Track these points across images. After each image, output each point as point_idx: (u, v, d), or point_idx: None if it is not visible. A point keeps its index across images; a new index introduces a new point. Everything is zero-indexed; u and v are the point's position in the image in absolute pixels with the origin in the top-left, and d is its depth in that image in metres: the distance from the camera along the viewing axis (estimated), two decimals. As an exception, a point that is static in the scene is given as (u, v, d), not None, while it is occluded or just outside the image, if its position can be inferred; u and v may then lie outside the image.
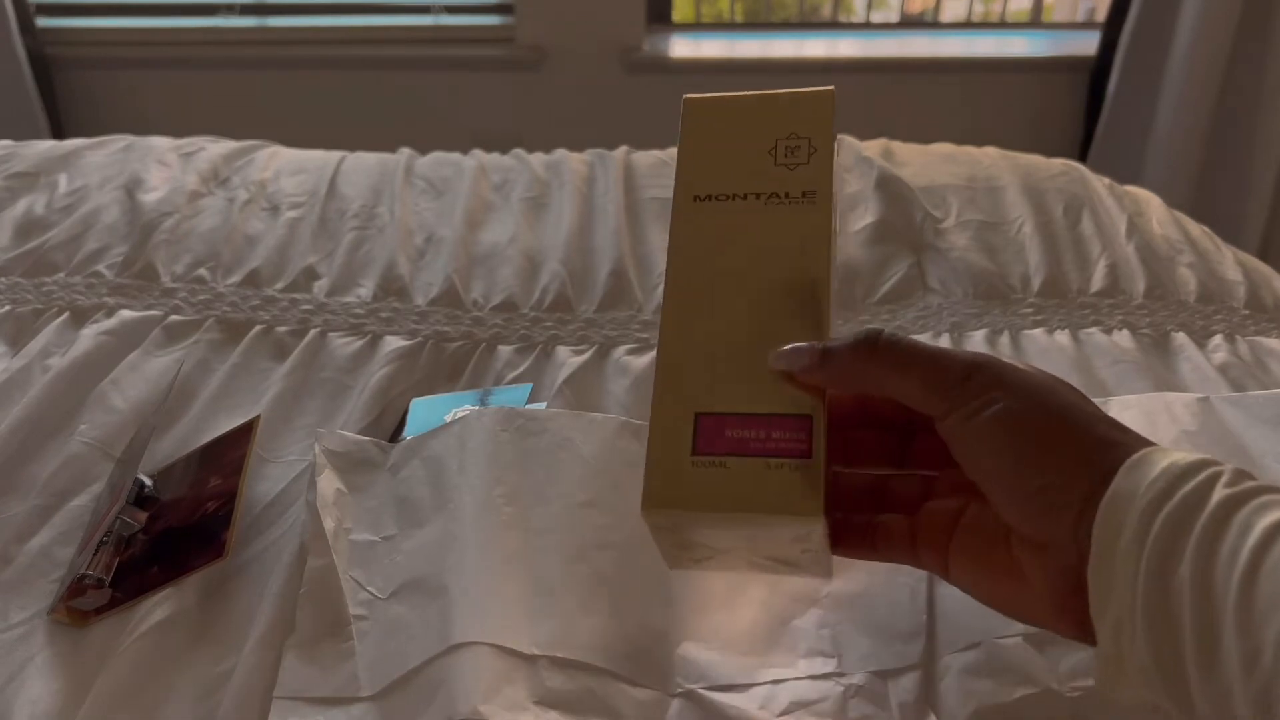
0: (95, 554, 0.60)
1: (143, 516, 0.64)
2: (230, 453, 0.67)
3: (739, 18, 2.27)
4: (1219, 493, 0.33)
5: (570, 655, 0.52)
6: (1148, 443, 0.37)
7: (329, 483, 0.62)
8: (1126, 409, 0.67)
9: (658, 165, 1.04)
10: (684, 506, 0.40)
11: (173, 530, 0.63)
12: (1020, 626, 0.51)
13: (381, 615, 0.55)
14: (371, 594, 0.56)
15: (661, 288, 0.87)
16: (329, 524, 0.59)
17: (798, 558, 0.43)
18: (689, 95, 0.48)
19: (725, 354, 0.43)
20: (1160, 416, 0.66)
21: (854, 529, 0.43)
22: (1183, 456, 0.35)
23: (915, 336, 0.82)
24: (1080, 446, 0.36)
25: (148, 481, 0.66)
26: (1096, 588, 0.35)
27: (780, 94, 0.48)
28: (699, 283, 0.44)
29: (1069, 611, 0.37)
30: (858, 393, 0.42)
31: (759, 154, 0.46)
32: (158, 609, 0.57)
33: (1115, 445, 0.36)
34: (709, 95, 0.48)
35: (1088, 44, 2.03)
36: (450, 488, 0.60)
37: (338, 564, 0.57)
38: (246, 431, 0.68)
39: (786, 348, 0.42)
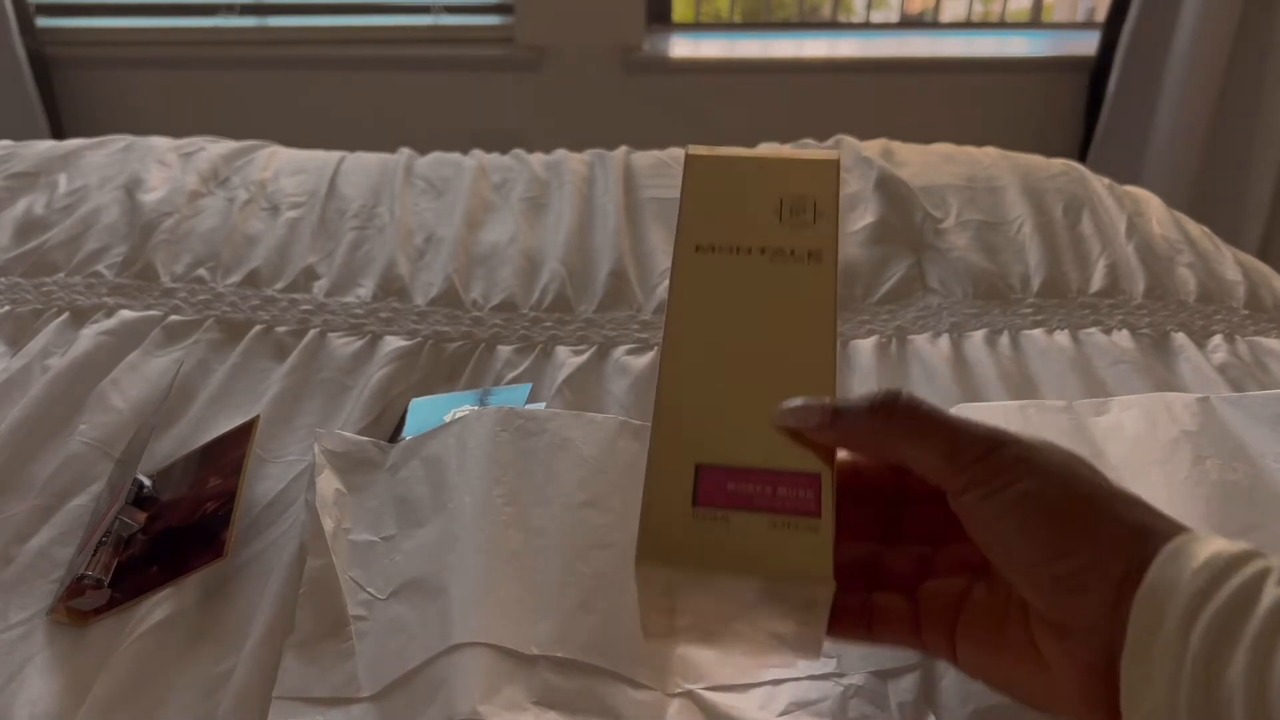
0: (94, 554, 0.60)
1: (142, 517, 0.64)
2: (230, 453, 0.67)
3: (738, 18, 2.27)
4: (1270, 592, 0.32)
5: (570, 655, 0.52)
6: (1181, 527, 0.36)
7: (328, 483, 0.62)
8: (1127, 409, 0.67)
9: (657, 165, 1.04)
10: (685, 564, 0.37)
11: (172, 530, 0.63)
12: None
13: (381, 615, 0.55)
14: (371, 594, 0.56)
15: (662, 286, 0.87)
16: (328, 524, 0.59)
17: (790, 631, 0.41)
18: (693, 149, 0.46)
19: (728, 404, 0.41)
20: (1161, 416, 0.66)
21: (847, 609, 0.40)
22: (1225, 547, 0.34)
23: (913, 337, 0.82)
24: (1111, 530, 0.35)
25: (147, 482, 0.66)
26: (1130, 680, 0.33)
27: (785, 158, 0.46)
28: (701, 333, 0.42)
29: (1096, 700, 0.35)
30: (867, 456, 0.40)
31: (764, 211, 0.45)
32: (157, 609, 0.57)
33: (1148, 530, 0.35)
34: (714, 152, 0.46)
35: (1087, 44, 2.03)
36: (450, 488, 0.60)
37: (337, 564, 0.57)
38: (246, 431, 0.68)
39: (795, 403, 0.39)
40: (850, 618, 0.40)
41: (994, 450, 0.36)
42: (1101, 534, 0.35)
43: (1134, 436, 0.65)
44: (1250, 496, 0.60)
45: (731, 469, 0.39)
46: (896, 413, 0.38)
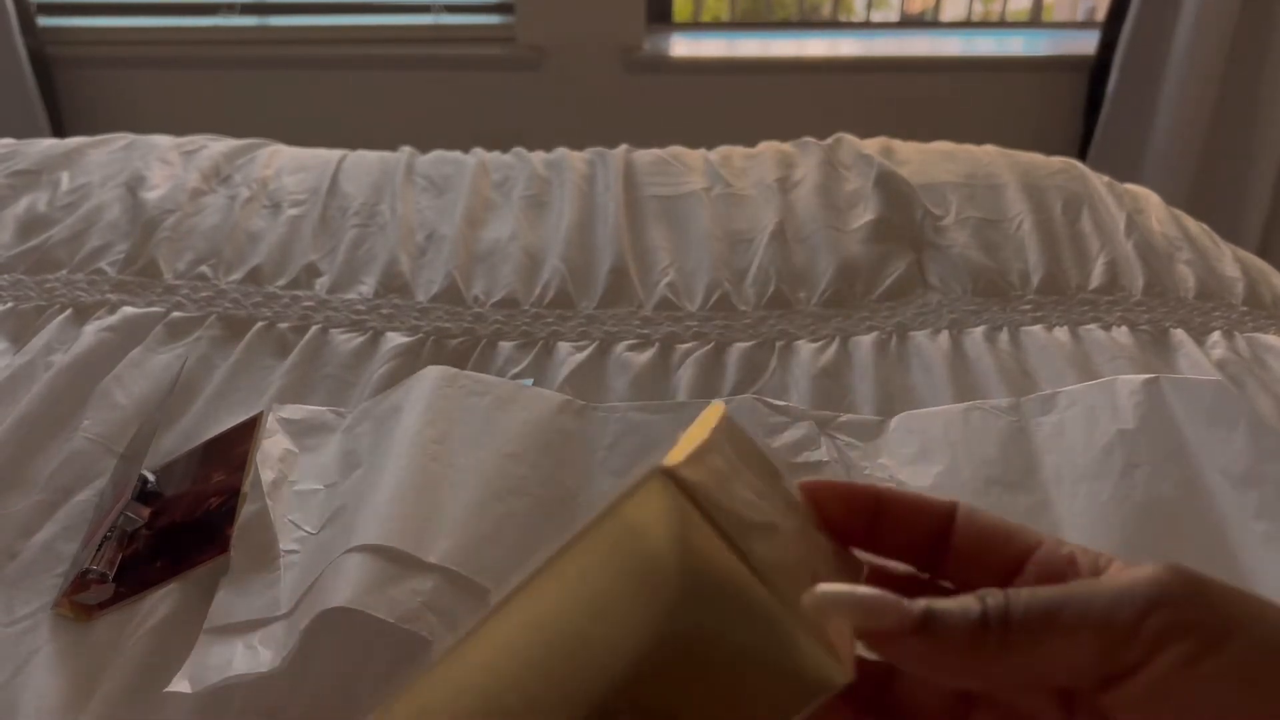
0: (99, 549, 0.60)
1: (146, 512, 0.64)
2: (234, 448, 0.67)
3: (739, 17, 2.27)
4: None
5: (468, 574, 0.53)
6: None
7: (277, 444, 0.65)
8: (1072, 405, 0.68)
9: (658, 163, 1.05)
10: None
11: (176, 526, 0.63)
12: None
13: (311, 545, 0.58)
14: (306, 532, 0.59)
15: (662, 285, 0.87)
16: (269, 476, 0.61)
17: None
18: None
19: None
20: (1103, 413, 0.66)
21: None
22: None
23: (914, 334, 0.82)
24: None
25: (151, 477, 0.66)
26: None
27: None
28: None
29: None
30: (957, 686, 0.29)
31: None
32: (162, 604, 0.57)
33: None
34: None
35: (1087, 43, 2.03)
36: (387, 433, 0.64)
37: (275, 509, 0.60)
38: (250, 427, 0.68)
39: (855, 591, 0.27)
40: None
41: (1153, 611, 0.26)
42: None
43: (1070, 444, 0.65)
44: (1171, 516, 0.60)
45: None
46: (1012, 620, 0.27)
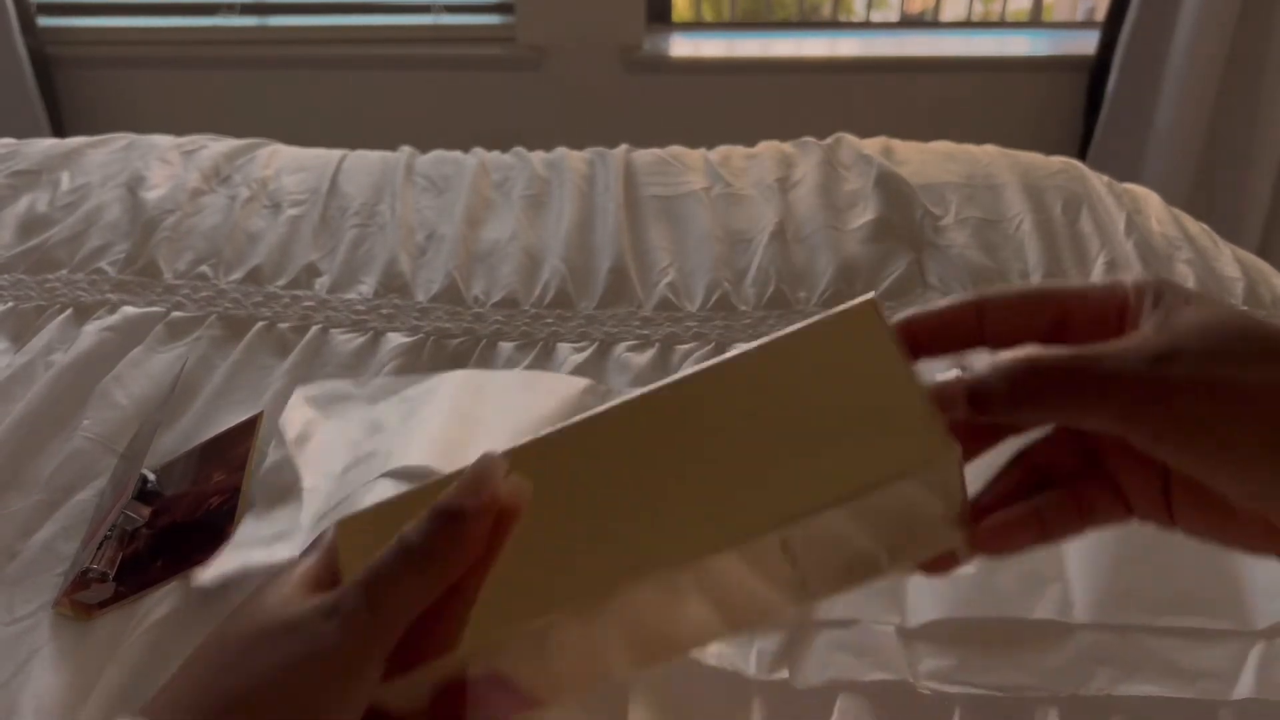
0: (99, 548, 0.60)
1: (146, 511, 0.64)
2: (234, 448, 0.67)
3: (739, 17, 2.27)
4: None
5: None
6: None
7: (301, 412, 0.68)
8: None
9: (658, 163, 1.05)
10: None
11: (176, 525, 0.63)
12: (896, 616, 0.55)
13: (333, 483, 0.61)
14: (330, 471, 0.63)
15: (662, 285, 0.87)
16: (292, 433, 0.65)
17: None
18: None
19: None
20: None
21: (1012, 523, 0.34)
22: None
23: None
24: None
25: (151, 477, 0.66)
26: None
27: None
28: None
29: None
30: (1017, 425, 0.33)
31: None
32: (162, 604, 0.57)
33: None
34: None
35: (1087, 43, 2.03)
36: (420, 405, 0.68)
37: (297, 453, 0.64)
38: (250, 427, 0.68)
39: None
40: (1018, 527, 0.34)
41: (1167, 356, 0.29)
42: None
43: None
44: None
45: None
46: (1038, 385, 0.31)
